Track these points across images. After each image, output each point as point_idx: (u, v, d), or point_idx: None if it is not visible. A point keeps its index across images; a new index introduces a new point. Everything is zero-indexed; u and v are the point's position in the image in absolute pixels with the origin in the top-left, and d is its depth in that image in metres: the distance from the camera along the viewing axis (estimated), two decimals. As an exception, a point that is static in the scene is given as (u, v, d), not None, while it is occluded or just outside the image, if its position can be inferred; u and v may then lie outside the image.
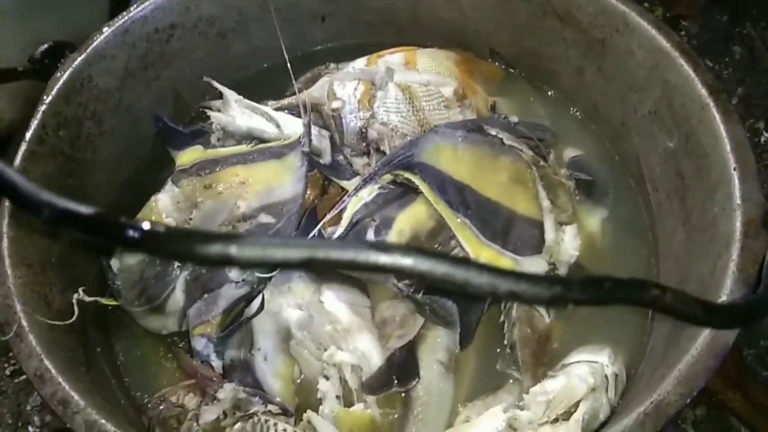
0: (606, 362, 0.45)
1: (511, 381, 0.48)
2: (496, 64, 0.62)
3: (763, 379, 0.58)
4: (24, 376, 0.62)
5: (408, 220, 0.49)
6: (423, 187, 0.49)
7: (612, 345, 0.47)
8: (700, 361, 0.34)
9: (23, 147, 0.45)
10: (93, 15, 0.67)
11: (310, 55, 0.63)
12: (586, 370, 0.45)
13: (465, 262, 0.19)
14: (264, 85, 0.61)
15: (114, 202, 0.53)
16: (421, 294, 0.47)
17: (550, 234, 0.50)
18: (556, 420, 0.43)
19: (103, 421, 0.33)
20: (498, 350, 0.49)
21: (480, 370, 0.48)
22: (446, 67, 0.59)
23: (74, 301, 0.43)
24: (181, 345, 0.49)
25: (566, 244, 0.52)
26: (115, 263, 0.51)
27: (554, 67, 0.58)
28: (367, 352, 0.47)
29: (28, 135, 0.45)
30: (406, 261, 0.19)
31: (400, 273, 0.21)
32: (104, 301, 0.49)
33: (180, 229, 0.21)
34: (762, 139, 0.72)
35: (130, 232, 0.20)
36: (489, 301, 0.49)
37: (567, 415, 0.43)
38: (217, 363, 0.46)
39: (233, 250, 0.20)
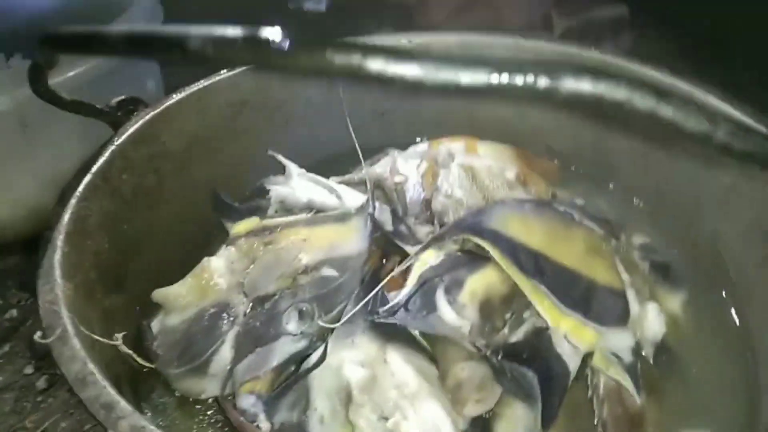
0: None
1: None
2: (555, 161, 0.63)
3: None
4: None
5: (480, 283, 0.46)
6: (494, 252, 0.46)
7: (712, 422, 0.41)
8: None
9: (88, 178, 0.44)
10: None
11: (366, 150, 0.64)
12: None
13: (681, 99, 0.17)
14: (325, 171, 0.61)
15: (164, 259, 0.50)
16: (500, 357, 0.42)
17: (634, 306, 0.46)
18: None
19: (153, 427, 0.27)
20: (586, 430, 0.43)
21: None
22: (506, 156, 0.59)
23: (118, 343, 0.38)
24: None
25: (650, 322, 0.47)
26: (155, 325, 0.47)
27: (615, 159, 0.58)
28: (436, 422, 0.40)
29: (94, 168, 0.44)
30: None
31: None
32: (140, 360, 0.44)
33: (316, 40, 0.18)
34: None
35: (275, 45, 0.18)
36: (571, 377, 0.44)
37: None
38: (265, 425, 0.40)
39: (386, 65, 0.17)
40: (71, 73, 0.62)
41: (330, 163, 0.62)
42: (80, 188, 0.42)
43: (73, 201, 0.41)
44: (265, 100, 0.59)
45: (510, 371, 0.42)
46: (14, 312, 0.67)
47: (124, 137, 0.47)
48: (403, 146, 0.63)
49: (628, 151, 0.57)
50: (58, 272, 0.36)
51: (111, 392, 0.29)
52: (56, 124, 0.64)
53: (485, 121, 0.64)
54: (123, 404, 0.29)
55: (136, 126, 0.48)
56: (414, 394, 0.41)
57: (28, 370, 0.62)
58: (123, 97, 0.50)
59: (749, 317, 0.48)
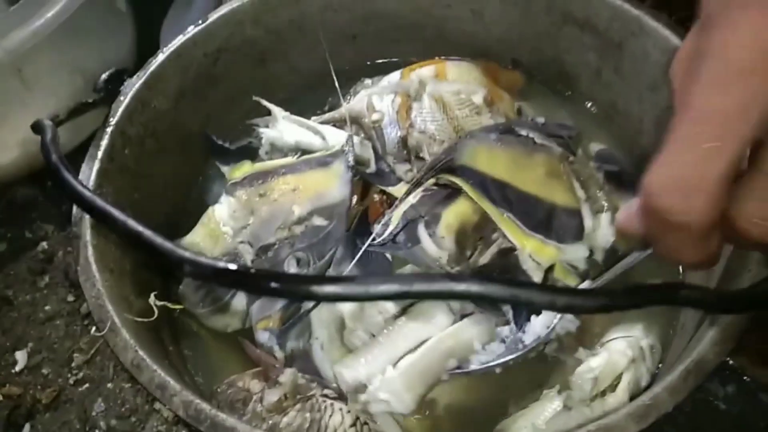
0: (640, 335, 0.49)
1: (557, 362, 0.51)
2: (518, 72, 0.67)
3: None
4: (87, 385, 0.66)
5: (454, 215, 0.53)
6: (465, 187, 0.53)
7: (645, 321, 0.50)
8: (733, 323, 0.37)
9: (96, 165, 0.49)
10: (121, 50, 0.74)
11: (341, 73, 0.67)
12: (624, 345, 0.48)
13: (528, 285, 0.23)
14: (303, 101, 0.65)
15: (174, 213, 0.57)
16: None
17: (588, 221, 0.54)
18: (604, 393, 0.47)
19: (198, 401, 0.37)
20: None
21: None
22: (474, 77, 0.63)
23: (151, 302, 0.46)
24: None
25: (602, 230, 0.55)
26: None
27: (574, 71, 0.62)
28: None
29: (99, 153, 0.50)
30: (479, 288, 0.23)
31: (474, 298, 0.24)
32: (171, 305, 0.53)
33: (303, 276, 0.24)
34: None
35: (271, 283, 0.24)
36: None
37: (613, 387, 0.47)
38: (279, 353, 0.50)
39: (341, 289, 0.23)
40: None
41: (307, 90, 0.67)
42: (93, 176, 0.48)
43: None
44: (240, 43, 0.62)
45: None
46: (45, 244, 0.75)
47: (119, 115, 0.52)
48: (377, 66, 0.67)
49: (586, 65, 0.61)
50: (94, 267, 0.43)
51: (162, 374, 0.38)
52: (46, 63, 0.67)
53: (454, 36, 0.67)
54: (173, 383, 0.38)
55: (127, 101, 0.53)
56: (395, 315, 0.51)
57: (70, 298, 0.71)
58: (110, 71, 0.53)
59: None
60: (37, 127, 0.42)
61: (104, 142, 0.50)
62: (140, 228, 0.28)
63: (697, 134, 0.27)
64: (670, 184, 0.27)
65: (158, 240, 0.28)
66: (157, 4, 0.82)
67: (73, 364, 0.67)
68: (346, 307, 0.51)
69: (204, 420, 0.36)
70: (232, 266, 0.26)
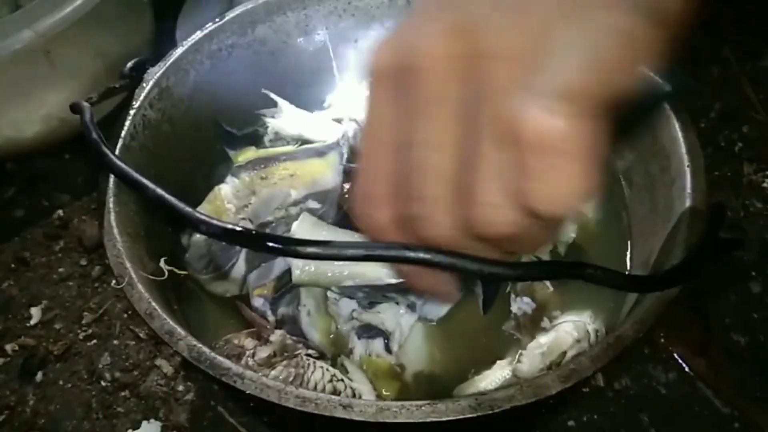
0: (587, 321, 0.56)
1: (514, 339, 0.58)
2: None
3: (726, 347, 0.68)
4: (95, 341, 0.73)
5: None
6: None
7: (593, 308, 0.57)
8: (650, 308, 0.44)
9: (120, 143, 0.56)
10: (141, 37, 0.81)
11: (342, 72, 0.74)
12: (571, 327, 0.56)
13: (464, 255, 0.30)
14: (306, 96, 0.72)
15: (183, 189, 0.64)
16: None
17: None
18: (549, 367, 0.54)
19: (200, 345, 0.44)
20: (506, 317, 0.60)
21: (490, 332, 0.59)
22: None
23: (162, 265, 0.53)
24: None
25: (565, 228, 0.63)
26: (184, 239, 0.62)
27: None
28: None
29: (123, 133, 0.57)
30: (426, 255, 0.30)
31: (422, 263, 0.30)
32: (177, 271, 0.59)
33: (292, 239, 0.31)
34: (736, 148, 0.83)
35: (268, 242, 0.31)
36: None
37: (558, 363, 0.54)
38: (271, 317, 0.57)
39: (320, 250, 0.30)
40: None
41: (310, 85, 0.73)
42: (117, 152, 0.55)
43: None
44: (251, 41, 0.68)
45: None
46: (60, 212, 0.82)
47: (140, 100, 0.59)
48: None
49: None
50: (115, 230, 0.50)
51: (170, 322, 0.45)
52: (72, 47, 0.74)
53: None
54: (179, 329, 0.45)
55: (148, 88, 0.60)
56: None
57: (83, 261, 0.78)
58: (135, 60, 0.60)
59: (633, 222, 0.63)
60: (76, 108, 0.49)
61: (127, 123, 0.57)
62: (165, 194, 0.35)
63: None
64: None
65: (179, 204, 0.34)
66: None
67: (83, 321, 0.74)
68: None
69: (204, 361, 0.43)
70: (238, 227, 0.33)
